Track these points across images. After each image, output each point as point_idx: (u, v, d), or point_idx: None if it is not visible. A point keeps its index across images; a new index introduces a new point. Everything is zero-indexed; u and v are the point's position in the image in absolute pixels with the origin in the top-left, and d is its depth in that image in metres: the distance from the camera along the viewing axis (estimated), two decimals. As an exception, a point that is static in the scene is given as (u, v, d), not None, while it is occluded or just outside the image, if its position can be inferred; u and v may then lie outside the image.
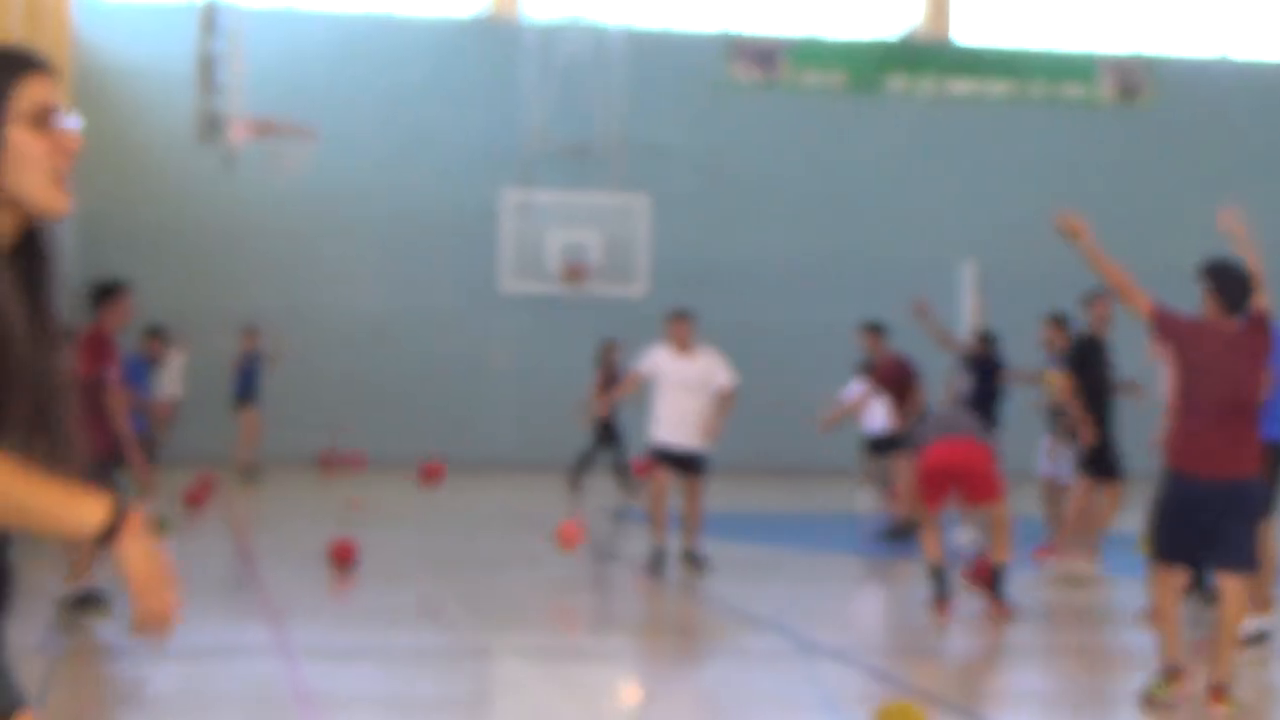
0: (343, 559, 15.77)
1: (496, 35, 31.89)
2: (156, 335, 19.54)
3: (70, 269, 25.84)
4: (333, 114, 30.13)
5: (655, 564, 15.34)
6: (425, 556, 16.99)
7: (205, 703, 9.74)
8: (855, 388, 22.59)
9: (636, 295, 29.86)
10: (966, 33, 33.88)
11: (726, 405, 16.04)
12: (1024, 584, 15.20)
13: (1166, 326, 9.79)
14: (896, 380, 19.47)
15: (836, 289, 32.39)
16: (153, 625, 3.27)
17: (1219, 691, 9.38)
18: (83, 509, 3.23)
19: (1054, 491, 17.39)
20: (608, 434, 25.57)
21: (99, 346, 12.56)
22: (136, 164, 30.34)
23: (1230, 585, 9.51)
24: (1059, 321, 17.84)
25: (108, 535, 3.23)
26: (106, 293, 12.91)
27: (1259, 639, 11.47)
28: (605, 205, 30.48)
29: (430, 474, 25.25)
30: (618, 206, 30.50)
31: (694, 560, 15.54)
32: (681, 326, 15.96)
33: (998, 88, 33.63)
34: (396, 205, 31.42)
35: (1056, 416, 17.33)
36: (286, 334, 29.62)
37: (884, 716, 8.32)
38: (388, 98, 31.54)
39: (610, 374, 25.36)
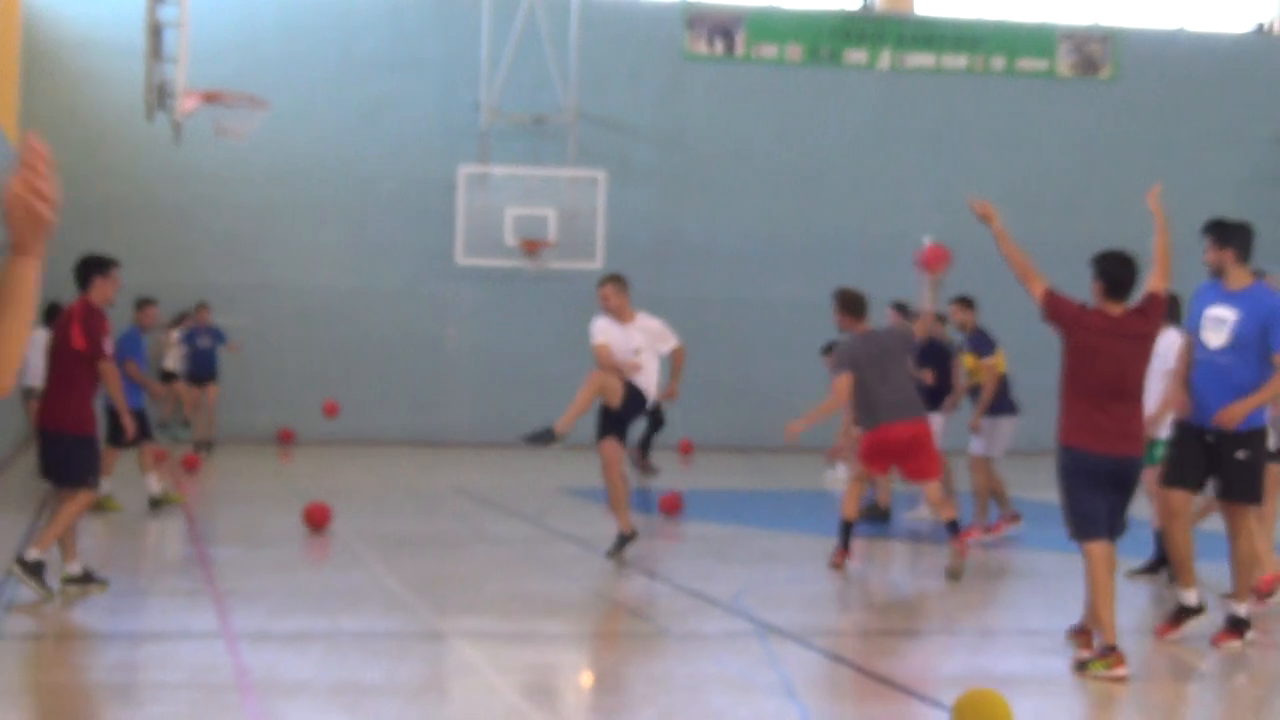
0: (318, 522, 16.57)
1: (452, 4, 31.55)
2: (150, 304, 19.44)
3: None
4: (287, 85, 29.81)
5: (619, 547, 14.96)
6: (377, 537, 16.71)
7: (146, 689, 9.49)
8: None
9: (594, 270, 29.63)
10: (925, 4, 33.67)
11: (680, 366, 15.60)
12: (993, 566, 15.06)
13: (1055, 309, 10.30)
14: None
15: (796, 263, 32.21)
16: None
17: (1109, 651, 10.04)
18: None
19: (981, 467, 17.53)
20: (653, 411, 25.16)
21: (95, 320, 12.45)
22: (87, 135, 29.93)
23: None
24: (968, 303, 17.99)
25: None
26: (98, 266, 12.86)
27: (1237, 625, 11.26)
28: (562, 179, 30.24)
29: (329, 410, 24.69)
30: (575, 180, 30.24)
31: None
32: (611, 291, 15.05)
33: (957, 60, 33.44)
34: (352, 178, 31.11)
35: (975, 396, 17.52)
36: (238, 311, 29.36)
37: (964, 708, 7.99)
38: (342, 68, 31.18)
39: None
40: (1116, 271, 10.28)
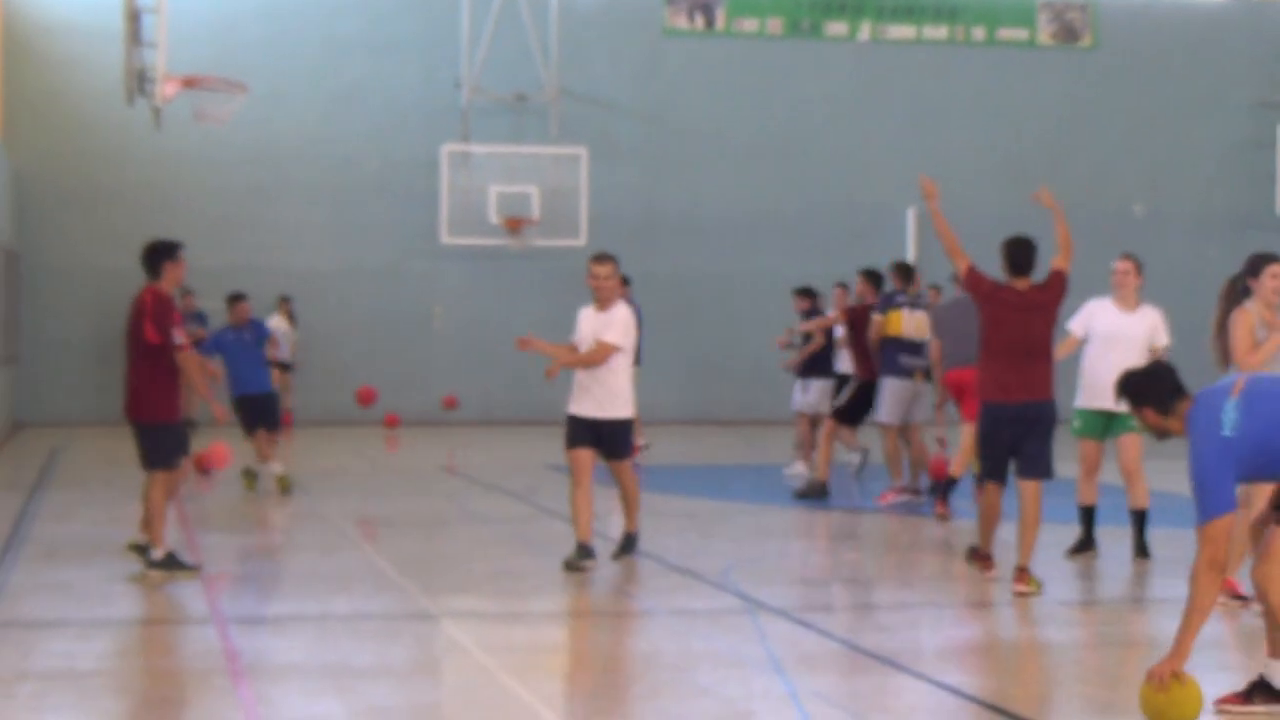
0: (366, 400, 17.34)
1: (432, -15, 31.50)
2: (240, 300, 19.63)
3: (0, 228, 25.46)
4: (266, 68, 29.76)
5: (572, 562, 13.13)
6: (365, 518, 16.75)
7: (136, 675, 9.52)
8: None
9: (578, 247, 29.63)
10: (906, -24, 33.65)
11: (588, 356, 13.20)
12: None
13: (974, 284, 12.24)
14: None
15: (780, 237, 32.24)
16: None
17: (1022, 573, 11.89)
18: None
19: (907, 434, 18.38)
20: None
21: (165, 312, 12.48)
22: (69, 121, 29.90)
23: (1029, 489, 12.06)
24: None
25: None
26: (167, 251, 12.76)
27: None
28: (545, 156, 30.24)
29: (365, 398, 24.81)
30: (557, 157, 30.24)
31: (629, 544, 13.61)
32: (609, 272, 13.31)
33: (937, 31, 33.43)
34: (335, 160, 31.07)
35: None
36: (221, 294, 29.32)
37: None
38: (322, 50, 31.13)
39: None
40: (1017, 254, 12.18)
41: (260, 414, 18.87)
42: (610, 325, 13.21)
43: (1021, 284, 12.14)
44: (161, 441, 12.64)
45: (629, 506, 13.69)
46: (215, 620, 10.89)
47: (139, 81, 21.77)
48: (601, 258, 13.38)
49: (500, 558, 14.06)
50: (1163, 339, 13.54)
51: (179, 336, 12.50)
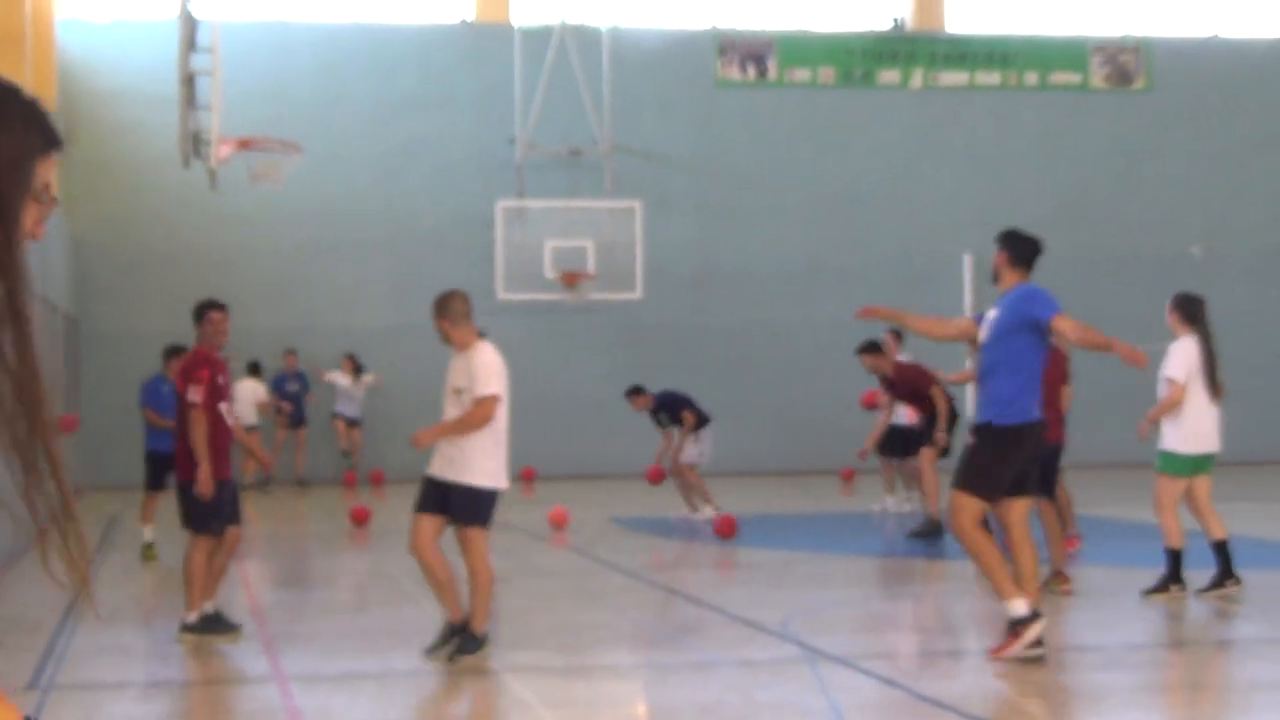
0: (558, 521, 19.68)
1: (483, 40, 31.68)
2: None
3: (61, 295, 25.65)
4: (321, 128, 29.96)
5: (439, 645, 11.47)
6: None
7: (198, 737, 9.52)
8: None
9: (634, 300, 29.65)
10: (956, 22, 33.65)
11: (469, 419, 11.40)
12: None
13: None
14: (913, 385, 19.81)
15: (836, 285, 32.20)
16: None
17: (1061, 576, 14.13)
18: None
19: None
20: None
21: (191, 369, 12.57)
22: (125, 186, 30.15)
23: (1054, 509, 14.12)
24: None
25: None
26: (197, 312, 12.87)
27: None
28: (600, 210, 30.28)
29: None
30: (612, 211, 30.29)
31: (465, 644, 11.33)
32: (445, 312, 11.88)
33: (990, 77, 33.40)
34: (390, 217, 31.22)
35: None
36: (283, 353, 29.52)
37: None
38: (376, 108, 31.33)
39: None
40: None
41: (165, 474, 17.54)
42: (477, 373, 11.48)
43: None
44: (199, 501, 12.46)
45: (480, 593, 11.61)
46: (276, 678, 10.88)
47: (194, 144, 21.93)
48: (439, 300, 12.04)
49: (561, 611, 14.01)
50: (1168, 370, 13.74)
51: (193, 394, 12.41)
